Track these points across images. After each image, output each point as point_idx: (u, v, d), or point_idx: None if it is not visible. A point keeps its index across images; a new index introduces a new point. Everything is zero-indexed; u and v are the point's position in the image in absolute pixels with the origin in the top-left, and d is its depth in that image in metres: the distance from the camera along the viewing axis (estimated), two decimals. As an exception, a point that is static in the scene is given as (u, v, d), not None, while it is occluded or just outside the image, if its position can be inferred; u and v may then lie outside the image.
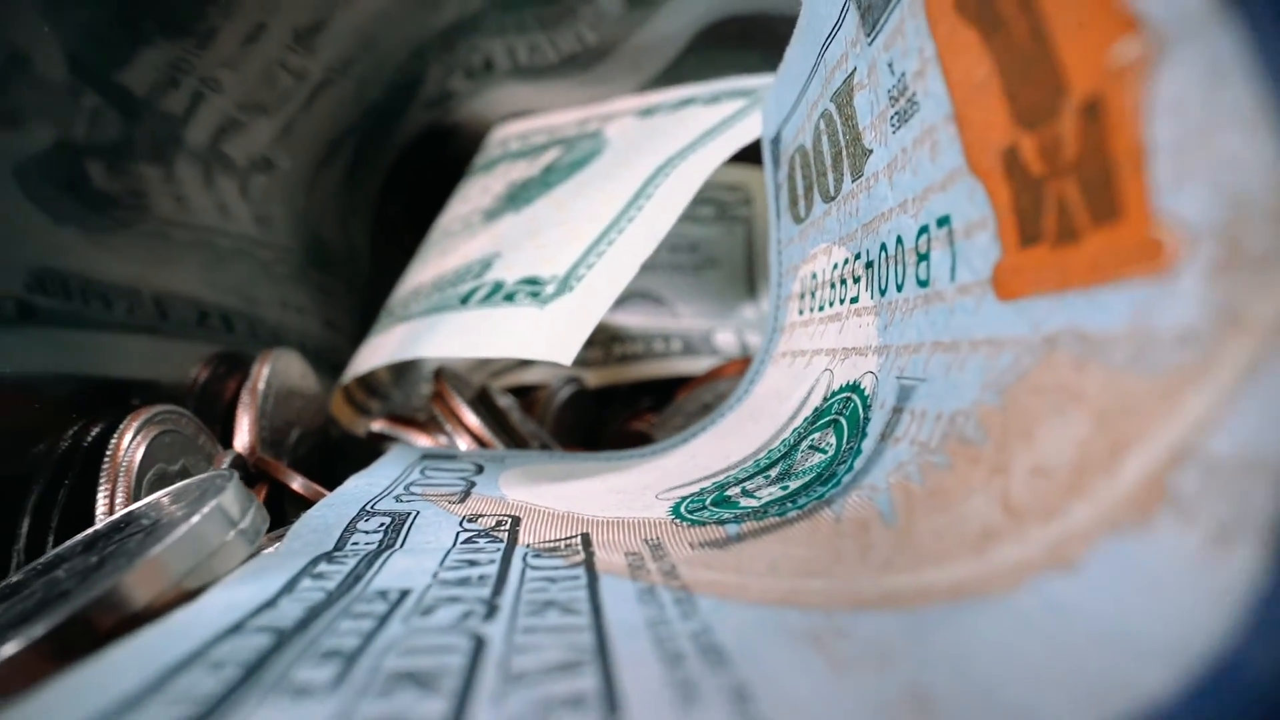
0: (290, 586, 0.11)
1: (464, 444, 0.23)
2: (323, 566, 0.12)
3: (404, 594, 0.11)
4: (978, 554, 0.09)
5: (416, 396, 0.33)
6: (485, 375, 0.32)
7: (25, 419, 0.19)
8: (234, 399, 0.24)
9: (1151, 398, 0.08)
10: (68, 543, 0.15)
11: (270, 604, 0.10)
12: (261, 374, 0.23)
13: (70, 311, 0.23)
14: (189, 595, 0.12)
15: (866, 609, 0.09)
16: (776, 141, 0.22)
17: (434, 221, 0.36)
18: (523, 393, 0.33)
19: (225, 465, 0.19)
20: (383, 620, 0.10)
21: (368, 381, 0.31)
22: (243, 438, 0.22)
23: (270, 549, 0.13)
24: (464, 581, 0.11)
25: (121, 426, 0.18)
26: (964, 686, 0.07)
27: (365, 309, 0.38)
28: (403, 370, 0.33)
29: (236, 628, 0.09)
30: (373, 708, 0.07)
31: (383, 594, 0.11)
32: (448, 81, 0.38)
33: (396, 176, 0.40)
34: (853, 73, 0.15)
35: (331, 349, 0.34)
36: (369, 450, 0.28)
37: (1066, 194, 0.09)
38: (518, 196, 0.29)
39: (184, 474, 0.19)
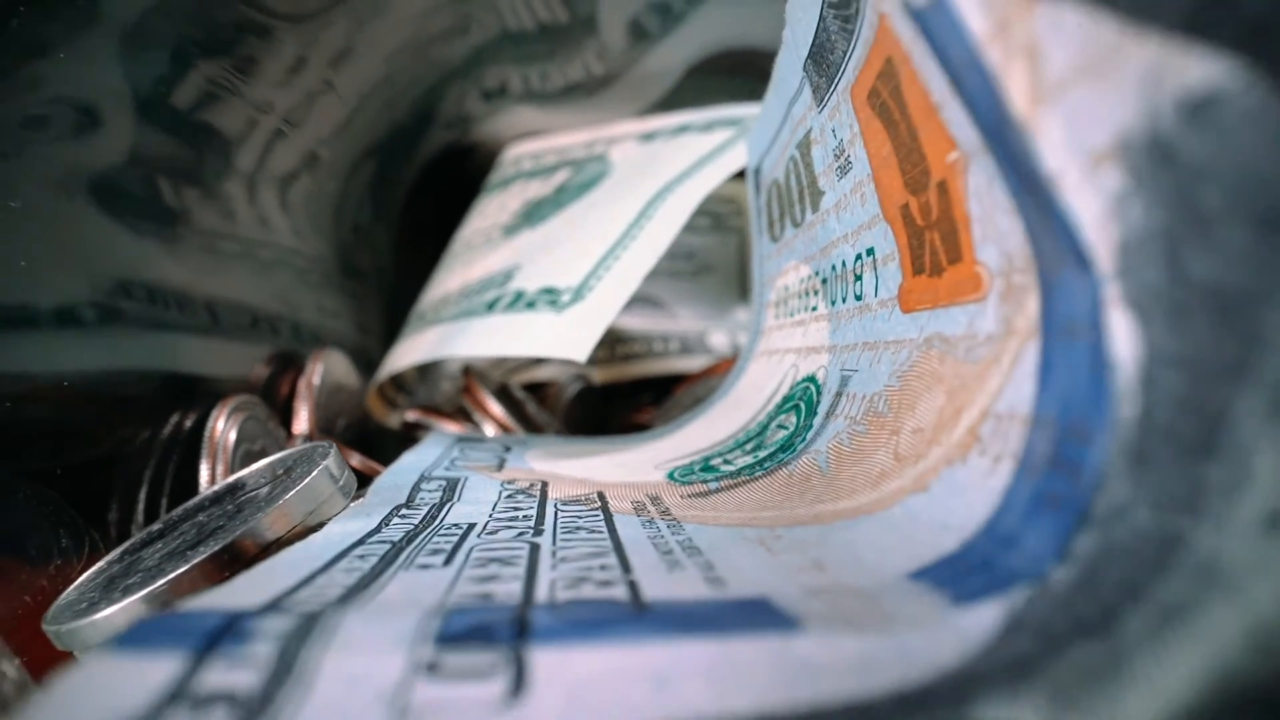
0: (386, 521, 0.16)
1: (490, 430, 0.28)
2: (404, 512, 0.17)
3: (471, 525, 0.15)
4: (875, 488, 0.13)
5: (439, 392, 0.38)
6: (502, 373, 0.36)
7: (126, 408, 0.24)
8: (291, 392, 0.28)
9: (974, 378, 0.12)
10: (194, 500, 0.19)
11: (376, 531, 0.15)
12: (316, 370, 0.28)
13: (151, 315, 0.27)
14: (308, 531, 0.16)
15: (798, 525, 0.13)
16: (758, 172, 0.26)
17: (454, 233, 0.40)
18: (535, 389, 0.37)
19: (297, 445, 0.24)
20: (462, 538, 0.14)
21: (397, 379, 0.35)
22: (301, 424, 0.27)
23: (355, 503, 0.18)
24: (513, 518, 0.16)
25: (214, 413, 0.23)
26: (846, 558, 0.11)
27: (390, 313, 0.43)
28: (427, 369, 0.38)
29: (360, 542, 0.14)
30: (477, 572, 0.11)
31: (456, 525, 0.15)
32: (465, 104, 0.42)
33: (418, 191, 0.44)
34: (810, 130, 0.19)
35: (363, 349, 0.38)
36: (401, 439, 0.32)
37: (935, 241, 0.13)
38: (533, 214, 0.33)
39: (263, 453, 0.24)
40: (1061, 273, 0.10)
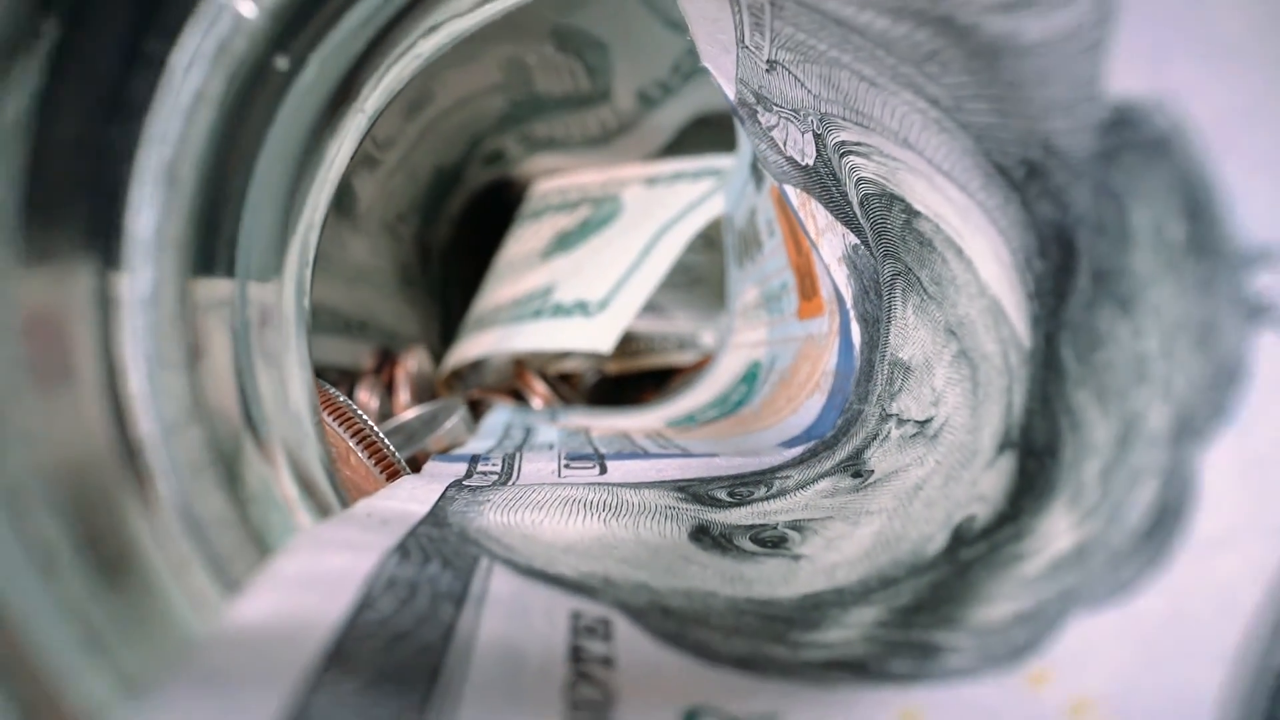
0: (500, 442, 0.29)
1: (537, 404, 0.41)
2: (506, 439, 0.30)
3: (551, 443, 0.28)
4: (776, 415, 0.27)
5: (484, 380, 0.51)
6: (539, 364, 0.49)
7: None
8: (391, 377, 0.41)
9: (819, 354, 0.25)
10: (364, 439, 0.32)
11: (499, 444, 0.28)
12: (411, 360, 0.41)
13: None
14: (452, 447, 0.29)
15: (734, 436, 0.27)
16: (730, 218, 0.39)
17: (495, 253, 0.53)
18: (563, 378, 0.50)
19: (410, 415, 0.37)
20: (552, 445, 0.27)
21: (456, 371, 0.48)
22: (404, 399, 0.40)
23: (472, 437, 0.31)
24: (573, 440, 0.29)
25: (358, 386, 0.36)
26: (750, 443, 0.24)
27: (444, 317, 0.56)
28: (477, 362, 0.51)
29: (493, 448, 0.27)
30: (573, 456, 0.24)
31: (544, 442, 0.28)
32: (502, 148, 0.55)
33: (462, 216, 0.57)
34: (755, 203, 0.32)
35: (426, 347, 0.52)
36: (463, 414, 0.45)
37: (806, 283, 0.26)
38: (564, 243, 0.46)
39: (386, 416, 0.37)
40: (840, 306, 0.23)
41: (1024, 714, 0.09)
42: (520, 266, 0.48)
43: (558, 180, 0.54)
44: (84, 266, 0.08)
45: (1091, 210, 0.11)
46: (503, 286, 0.47)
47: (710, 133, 0.52)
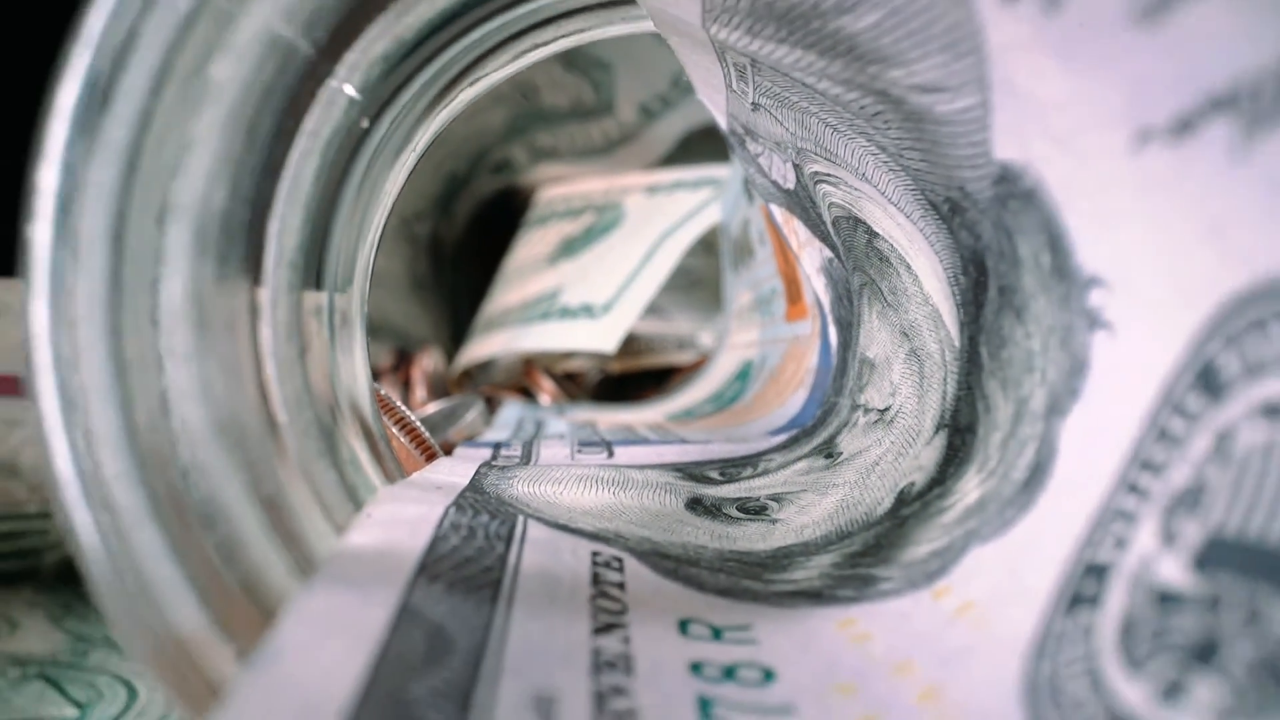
0: (514, 435, 0.32)
1: (545, 400, 0.44)
2: (520, 431, 0.33)
3: (564, 433, 0.31)
4: (765, 407, 0.30)
5: (492, 378, 0.54)
6: (546, 363, 0.53)
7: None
8: (408, 375, 0.45)
9: (804, 353, 0.28)
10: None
11: (515, 433, 0.31)
12: (426, 359, 0.44)
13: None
14: (471, 438, 0.32)
15: (725, 427, 0.30)
16: (726, 227, 0.43)
17: (503, 257, 0.56)
18: (568, 377, 0.53)
19: (431, 409, 0.40)
20: (564, 435, 0.30)
21: (467, 369, 0.51)
22: (420, 395, 0.43)
23: (488, 428, 0.34)
24: (582, 431, 0.32)
25: (378, 383, 0.39)
26: (741, 432, 0.28)
27: (454, 318, 0.59)
28: (486, 362, 0.54)
29: (510, 438, 0.30)
30: (584, 443, 0.28)
31: (555, 433, 0.31)
32: (509, 157, 0.58)
33: (471, 223, 0.61)
34: (749, 216, 0.36)
35: (438, 346, 0.55)
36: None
37: (793, 288, 0.30)
38: (569, 248, 0.50)
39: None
40: (820, 311, 0.26)
41: (926, 615, 0.12)
42: (528, 271, 0.51)
43: (563, 188, 0.58)
44: (243, 285, 0.11)
45: (994, 240, 0.14)
46: (511, 290, 0.51)
47: (708, 143, 0.55)
